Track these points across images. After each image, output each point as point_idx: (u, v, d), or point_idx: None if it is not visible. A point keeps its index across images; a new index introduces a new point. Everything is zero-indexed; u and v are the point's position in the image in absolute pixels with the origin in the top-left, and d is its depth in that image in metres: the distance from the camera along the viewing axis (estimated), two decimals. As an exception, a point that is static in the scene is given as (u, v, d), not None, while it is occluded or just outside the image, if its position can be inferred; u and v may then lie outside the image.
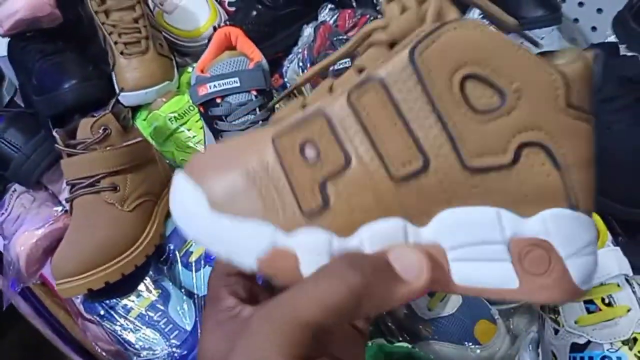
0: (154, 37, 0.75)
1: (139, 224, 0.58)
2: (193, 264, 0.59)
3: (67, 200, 0.59)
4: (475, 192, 0.21)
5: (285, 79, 0.80)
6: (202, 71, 0.63)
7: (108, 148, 0.58)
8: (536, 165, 0.21)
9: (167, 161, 0.71)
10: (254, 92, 0.61)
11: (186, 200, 0.24)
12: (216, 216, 0.23)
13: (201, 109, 0.62)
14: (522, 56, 0.21)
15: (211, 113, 0.61)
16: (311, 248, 0.22)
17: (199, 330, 0.55)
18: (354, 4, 0.84)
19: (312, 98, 0.24)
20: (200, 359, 0.24)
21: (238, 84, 0.60)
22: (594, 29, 0.77)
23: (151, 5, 0.86)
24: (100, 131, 0.58)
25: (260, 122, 0.61)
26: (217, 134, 0.61)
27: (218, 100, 0.60)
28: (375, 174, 0.21)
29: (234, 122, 0.60)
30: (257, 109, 0.61)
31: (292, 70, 0.78)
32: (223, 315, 0.24)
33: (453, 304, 0.54)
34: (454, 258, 0.21)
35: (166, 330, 0.55)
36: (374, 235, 0.22)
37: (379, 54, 0.23)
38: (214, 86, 0.60)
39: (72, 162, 0.58)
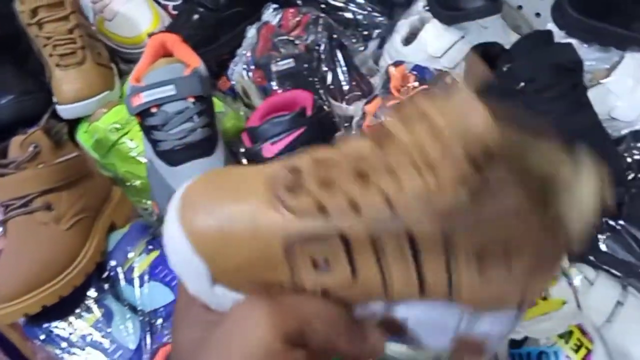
0: (91, 46, 0.73)
1: (76, 242, 0.56)
2: (137, 280, 0.57)
3: (1, 223, 0.57)
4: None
5: (232, 82, 0.79)
6: (137, 80, 0.61)
7: (40, 166, 0.56)
8: (502, 283, 0.23)
9: (110, 174, 0.70)
10: (191, 99, 0.59)
11: (186, 266, 0.24)
12: (215, 287, 0.24)
13: (138, 119, 0.61)
14: (535, 231, 0.22)
15: (147, 123, 0.59)
16: None
17: (143, 349, 0.54)
18: (299, 1, 0.83)
19: (333, 204, 0.22)
20: (176, 353, 0.25)
21: (174, 92, 0.59)
22: (537, 15, 0.77)
23: (91, 12, 0.84)
24: (31, 149, 0.56)
25: (199, 129, 0.59)
26: (154, 144, 0.59)
27: (153, 110, 0.59)
28: (376, 292, 0.23)
29: (170, 132, 0.59)
30: (195, 116, 0.59)
31: (238, 73, 0.76)
32: (199, 311, 0.24)
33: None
34: (412, 327, 0.25)
35: (110, 350, 0.54)
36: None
37: (416, 203, 0.22)
38: (149, 95, 0.58)
39: (3, 183, 0.56)
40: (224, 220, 0.23)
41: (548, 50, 0.53)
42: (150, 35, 0.68)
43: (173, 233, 0.23)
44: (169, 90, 0.58)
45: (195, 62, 0.62)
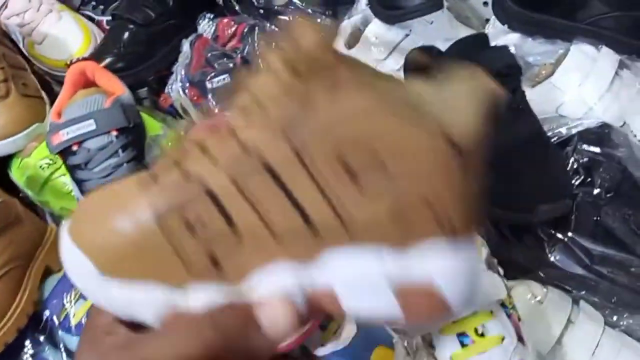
0: (15, 77, 0.69)
1: (5, 296, 0.53)
2: (74, 329, 0.55)
3: None
4: (354, 232, 0.22)
5: (172, 99, 0.75)
6: (58, 115, 0.57)
7: (-41, 218, 0.53)
8: (414, 211, 0.21)
9: (48, 210, 0.66)
10: (114, 133, 0.56)
11: (76, 267, 0.24)
12: (108, 283, 0.23)
13: (61, 158, 0.57)
14: (398, 126, 0.21)
15: (69, 162, 0.56)
16: (205, 302, 0.23)
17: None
18: (236, 8, 0.79)
19: (189, 159, 0.23)
20: None
21: (94, 127, 0.55)
22: (485, 4, 0.73)
23: (20, 36, 0.80)
24: (-54, 201, 0.53)
25: (125, 164, 0.56)
26: (79, 184, 0.56)
27: (75, 148, 0.55)
28: (261, 237, 0.22)
29: (94, 170, 0.55)
30: (120, 151, 0.56)
31: (175, 90, 0.73)
32: (97, 332, 0.24)
33: (347, 334, 0.51)
34: (344, 296, 0.22)
35: (48, 407, 0.51)
36: (265, 281, 0.23)
37: (261, 133, 0.22)
38: (68, 133, 0.55)
39: None
40: (98, 212, 0.24)
41: (482, 55, 0.49)
42: (68, 65, 0.64)
43: (62, 239, 0.24)
44: (89, 126, 0.55)
45: (119, 89, 0.59)
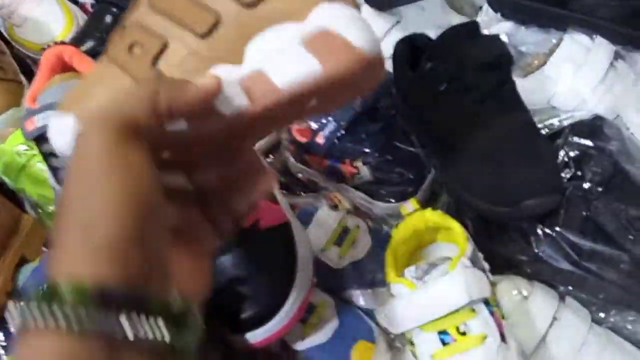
0: (-8, 60, 0.66)
1: (-24, 287, 0.52)
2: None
3: None
4: (262, 21, 0.29)
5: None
6: (33, 100, 0.55)
7: None
8: None
9: (27, 198, 0.65)
10: (91, 119, 0.54)
11: (56, 125, 0.32)
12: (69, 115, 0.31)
13: (36, 144, 0.55)
14: None
15: (44, 149, 0.54)
16: None
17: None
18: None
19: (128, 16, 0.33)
20: None
21: (70, 113, 0.53)
22: (478, -8, 0.71)
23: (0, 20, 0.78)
24: None
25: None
26: (54, 172, 0.54)
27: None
28: (188, 41, 0.29)
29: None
30: (97, 138, 0.54)
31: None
32: None
33: (328, 328, 0.49)
34: (270, 71, 0.28)
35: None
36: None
37: None
38: (42, 119, 0.53)
39: None
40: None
41: (473, 44, 0.47)
42: (44, 48, 0.61)
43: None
44: (64, 112, 0.53)
45: (97, 74, 0.57)
